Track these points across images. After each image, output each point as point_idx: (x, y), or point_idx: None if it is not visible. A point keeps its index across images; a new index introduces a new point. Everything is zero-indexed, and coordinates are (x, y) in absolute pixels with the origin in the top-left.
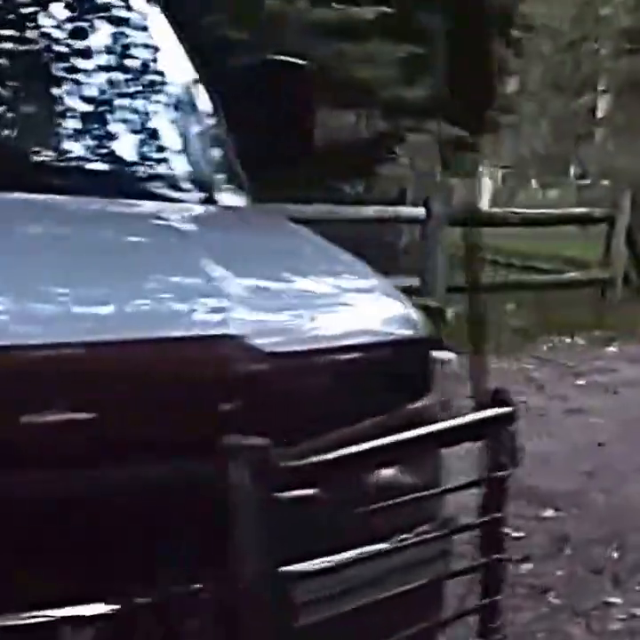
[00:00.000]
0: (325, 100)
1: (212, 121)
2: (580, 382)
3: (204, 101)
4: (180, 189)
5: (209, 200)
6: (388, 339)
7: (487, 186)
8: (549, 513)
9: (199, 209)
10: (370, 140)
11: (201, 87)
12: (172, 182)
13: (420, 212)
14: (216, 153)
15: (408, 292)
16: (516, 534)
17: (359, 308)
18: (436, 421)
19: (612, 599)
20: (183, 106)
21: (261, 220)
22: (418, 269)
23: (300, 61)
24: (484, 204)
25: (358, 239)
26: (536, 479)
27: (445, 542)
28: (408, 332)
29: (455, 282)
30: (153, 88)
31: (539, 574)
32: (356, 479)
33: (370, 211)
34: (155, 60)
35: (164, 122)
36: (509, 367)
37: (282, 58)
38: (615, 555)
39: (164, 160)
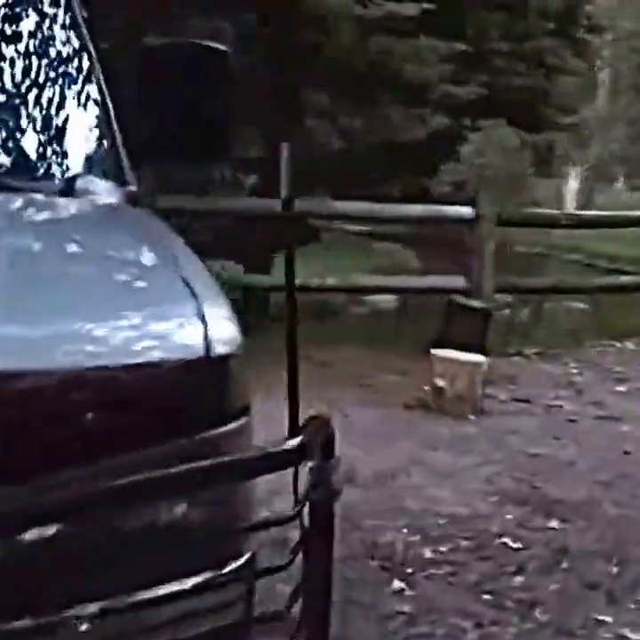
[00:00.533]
0: (382, 98)
1: (94, 108)
2: (621, 388)
3: (89, 88)
4: (28, 178)
5: (65, 192)
6: (166, 358)
7: (572, 187)
8: (554, 523)
9: (37, 200)
10: (432, 138)
11: (88, 71)
12: (18, 170)
13: (468, 211)
14: (92, 142)
15: (455, 292)
16: (514, 545)
17: (143, 322)
18: (236, 451)
19: (603, 617)
20: (57, 91)
21: (108, 216)
22: (465, 270)
23: (221, 47)
24: (570, 204)
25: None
26: (549, 487)
27: (246, 585)
28: (200, 351)
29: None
30: (15, 67)
31: (530, 588)
32: (90, 521)
33: (416, 209)
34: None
35: (23, 106)
36: (553, 370)
37: (201, 42)
38: (615, 570)
39: (13, 147)
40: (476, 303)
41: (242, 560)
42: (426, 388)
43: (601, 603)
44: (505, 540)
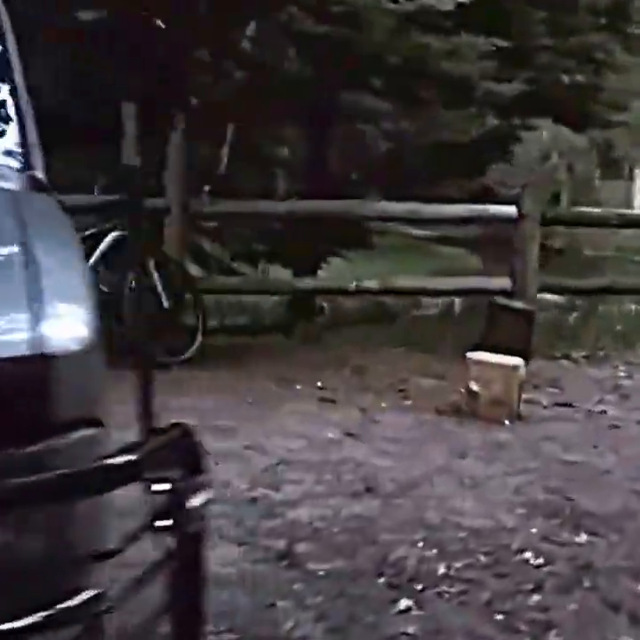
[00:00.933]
0: (423, 97)
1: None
2: None
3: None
4: None
5: None
6: None
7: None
8: (582, 537)
9: None
10: (482, 138)
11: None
12: None
13: (511, 210)
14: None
15: (501, 294)
16: (535, 561)
17: None
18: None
19: None
20: None
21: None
22: (509, 270)
23: (159, 22)
24: (637, 204)
25: None
26: (582, 498)
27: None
28: (20, 350)
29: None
30: None
31: (546, 608)
32: None
33: (457, 209)
34: None
35: None
36: (600, 374)
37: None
38: None
39: None
40: (518, 304)
41: (80, 597)
42: (462, 391)
43: (622, 624)
44: (526, 555)
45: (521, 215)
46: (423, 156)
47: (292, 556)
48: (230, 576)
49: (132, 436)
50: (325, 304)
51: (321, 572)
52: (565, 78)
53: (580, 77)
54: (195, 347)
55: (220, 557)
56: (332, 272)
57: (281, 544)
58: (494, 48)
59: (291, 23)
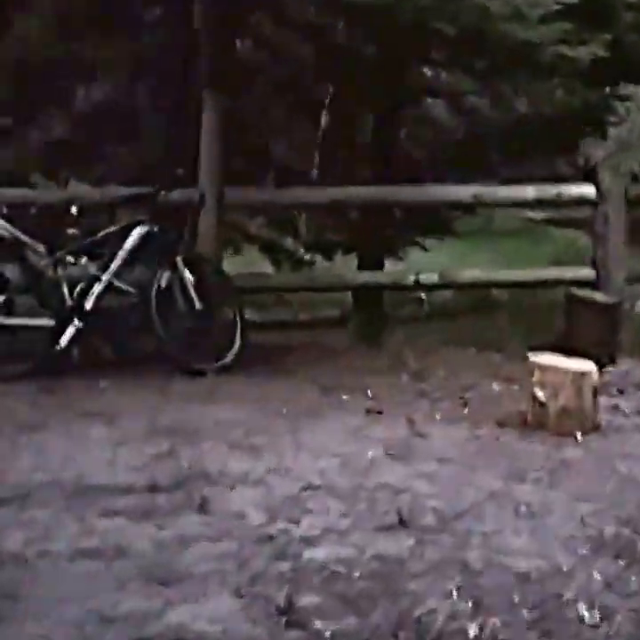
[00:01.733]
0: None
1: None
2: None
3: None
4: None
5: None
6: None
7: None
8: None
9: None
10: (571, 110)
11: None
12: None
13: (590, 190)
14: None
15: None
16: (590, 617)
17: None
18: None
19: None
20: None
21: None
22: (592, 259)
23: None
24: None
25: None
26: None
27: None
28: None
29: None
30: None
31: None
32: None
33: (527, 191)
34: None
35: None
36: None
37: None
38: None
39: None
40: (600, 297)
41: None
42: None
43: None
44: (581, 608)
45: (601, 194)
46: (504, 133)
47: (295, 611)
48: (217, 636)
49: None
50: (424, 295)
51: (327, 634)
52: None
53: None
54: (233, 352)
55: (210, 611)
56: (409, 262)
57: (286, 595)
58: (562, 7)
59: None
